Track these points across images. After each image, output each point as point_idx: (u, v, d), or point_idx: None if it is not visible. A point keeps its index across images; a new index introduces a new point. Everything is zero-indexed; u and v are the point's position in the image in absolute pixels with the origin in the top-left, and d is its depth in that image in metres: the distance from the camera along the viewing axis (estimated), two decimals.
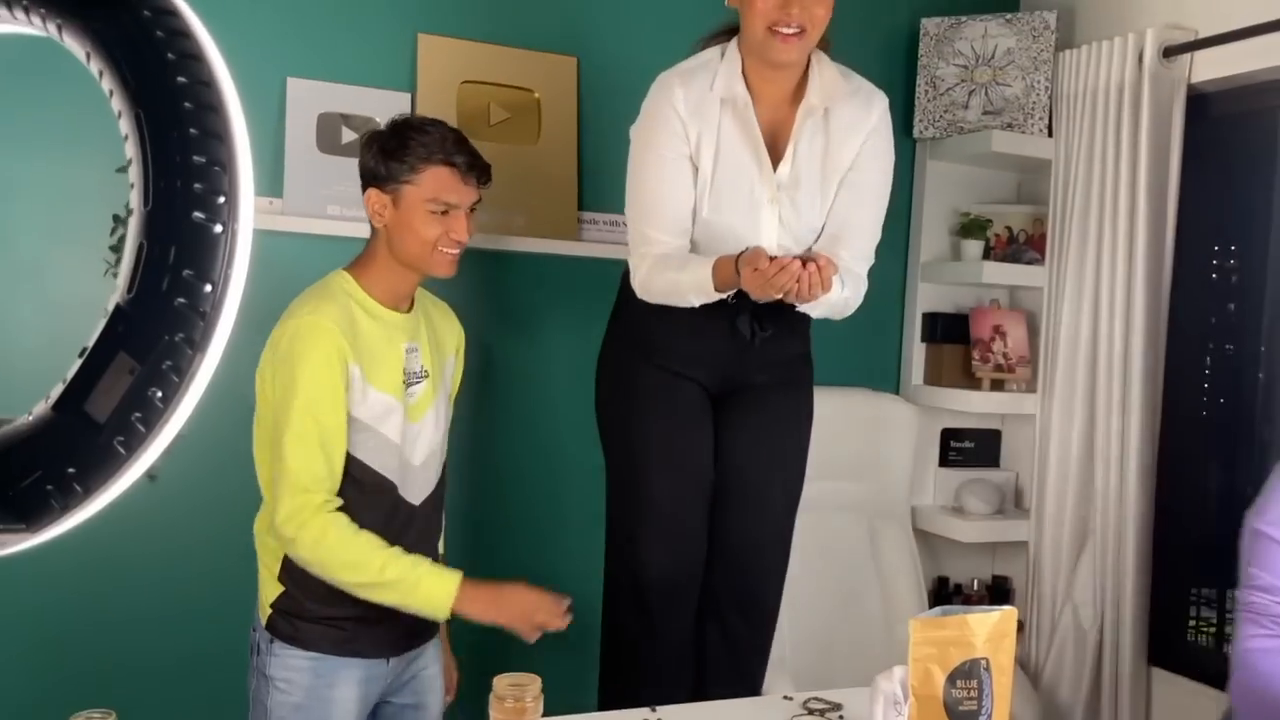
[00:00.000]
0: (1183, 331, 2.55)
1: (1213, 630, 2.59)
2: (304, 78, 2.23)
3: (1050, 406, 2.69)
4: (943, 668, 1.33)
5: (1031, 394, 2.79)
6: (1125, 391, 2.51)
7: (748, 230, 1.85)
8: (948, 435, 2.96)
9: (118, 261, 0.68)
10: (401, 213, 1.72)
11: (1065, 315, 2.65)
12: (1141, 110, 2.47)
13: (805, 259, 1.64)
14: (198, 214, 0.67)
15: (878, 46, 2.84)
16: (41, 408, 0.70)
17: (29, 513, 0.69)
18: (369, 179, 1.75)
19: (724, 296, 1.82)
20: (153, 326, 0.67)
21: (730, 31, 1.92)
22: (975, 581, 2.93)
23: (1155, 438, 2.52)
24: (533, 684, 1.26)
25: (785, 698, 1.67)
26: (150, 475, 0.69)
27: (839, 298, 1.83)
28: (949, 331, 2.90)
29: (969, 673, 1.33)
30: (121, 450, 0.68)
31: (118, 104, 0.71)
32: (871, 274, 1.97)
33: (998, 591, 2.93)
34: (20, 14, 0.72)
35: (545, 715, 1.28)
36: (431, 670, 1.87)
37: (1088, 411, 2.61)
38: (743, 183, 1.86)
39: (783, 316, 1.90)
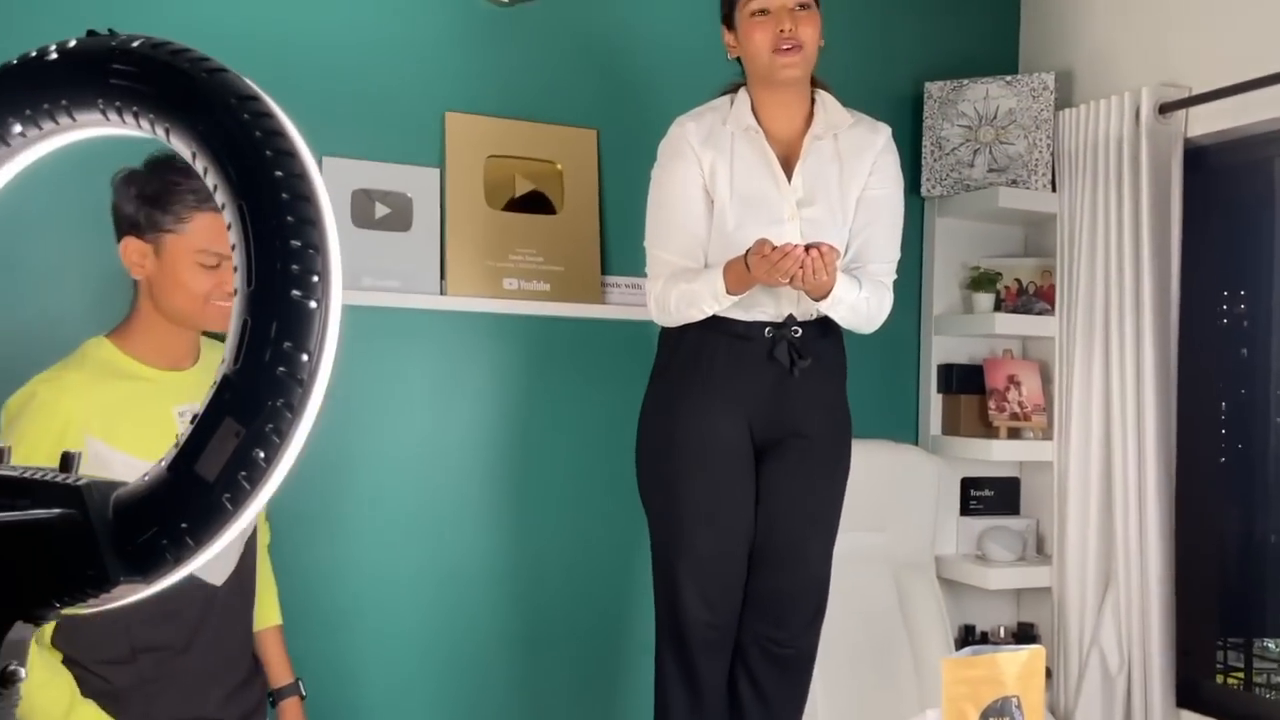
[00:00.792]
0: (1194, 377, 2.61)
1: (1241, 675, 2.60)
2: (339, 156, 2.34)
3: (1067, 453, 2.74)
4: (975, 706, 1.37)
5: (1048, 441, 2.84)
6: (1140, 438, 2.56)
7: None
8: (967, 484, 3.01)
9: None
10: (165, 264, 1.54)
11: (1077, 363, 2.71)
12: (1141, 164, 2.56)
13: (808, 246, 1.76)
14: (295, 292, 0.74)
15: (884, 109, 2.92)
16: (156, 469, 0.77)
17: (147, 566, 0.75)
18: (126, 226, 1.55)
19: (735, 300, 1.92)
20: (257, 394, 0.74)
21: (734, 90, 2.08)
22: (1002, 629, 2.96)
23: (1171, 483, 2.57)
24: None
25: None
26: None
27: (857, 298, 1.93)
28: (964, 382, 2.97)
29: (1001, 710, 1.37)
30: (229, 506, 0.74)
31: (221, 197, 0.78)
32: (887, 328, 2.07)
33: (1024, 638, 2.95)
34: (130, 119, 0.80)
35: None
36: None
37: (1104, 457, 2.66)
38: (762, 198, 1.99)
39: (818, 345, 1.98)
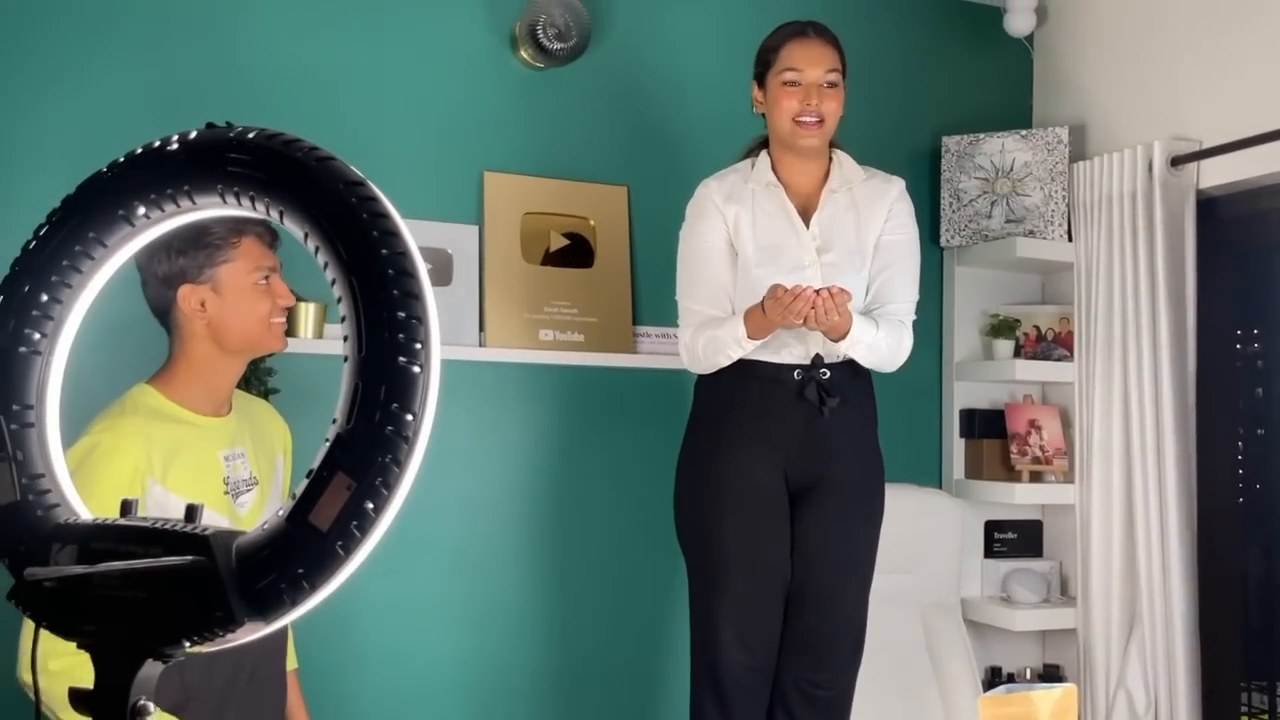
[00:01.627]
0: (1212, 419, 2.66)
1: (1266, 717, 2.62)
2: None
3: (1089, 496, 2.79)
4: None
5: (1070, 484, 2.90)
6: (1160, 479, 2.61)
7: None
8: (991, 527, 3.06)
9: None
10: (228, 296, 1.60)
11: (1097, 408, 2.77)
12: (1155, 215, 2.63)
13: (819, 289, 1.87)
14: (402, 358, 0.82)
15: (903, 164, 3.03)
16: (275, 520, 0.85)
17: (267, 608, 0.82)
18: (175, 280, 1.59)
19: (758, 344, 2.02)
20: (368, 451, 0.82)
21: (758, 149, 2.19)
22: (1028, 670, 2.99)
23: (1193, 525, 2.61)
24: None
25: None
26: None
27: (875, 338, 2.02)
28: (986, 427, 3.03)
29: None
30: (341, 553, 0.82)
31: (332, 273, 0.87)
32: (910, 373, 2.16)
33: (1050, 679, 2.98)
34: (246, 202, 0.89)
35: None
36: None
37: (1125, 500, 2.71)
38: (783, 246, 2.10)
39: (847, 386, 2.06)
